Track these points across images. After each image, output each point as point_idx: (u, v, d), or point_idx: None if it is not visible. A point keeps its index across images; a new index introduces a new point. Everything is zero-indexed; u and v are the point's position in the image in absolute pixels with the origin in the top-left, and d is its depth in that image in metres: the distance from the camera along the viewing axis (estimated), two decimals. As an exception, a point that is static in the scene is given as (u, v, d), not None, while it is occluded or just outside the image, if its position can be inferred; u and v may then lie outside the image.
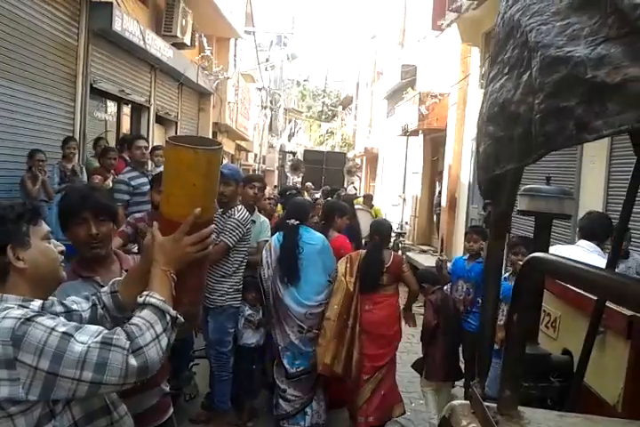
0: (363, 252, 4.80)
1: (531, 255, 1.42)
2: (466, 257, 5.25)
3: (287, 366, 4.49)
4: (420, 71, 14.94)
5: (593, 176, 6.21)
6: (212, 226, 1.78)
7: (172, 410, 2.48)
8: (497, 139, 1.39)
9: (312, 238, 4.54)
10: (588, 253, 3.68)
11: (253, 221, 4.73)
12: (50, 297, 1.71)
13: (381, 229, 4.94)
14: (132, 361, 1.44)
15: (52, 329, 1.45)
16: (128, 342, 1.46)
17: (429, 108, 12.35)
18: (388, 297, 4.63)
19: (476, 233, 5.13)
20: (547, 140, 1.11)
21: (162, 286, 1.61)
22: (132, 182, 5.46)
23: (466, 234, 5.52)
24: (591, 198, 6.04)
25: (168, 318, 1.56)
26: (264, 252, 4.59)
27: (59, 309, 1.68)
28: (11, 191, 6.12)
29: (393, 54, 18.55)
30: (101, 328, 1.51)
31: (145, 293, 1.58)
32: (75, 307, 1.74)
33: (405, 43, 17.23)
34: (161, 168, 6.64)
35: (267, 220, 5.16)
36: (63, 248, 1.73)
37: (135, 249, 4.04)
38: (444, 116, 12.16)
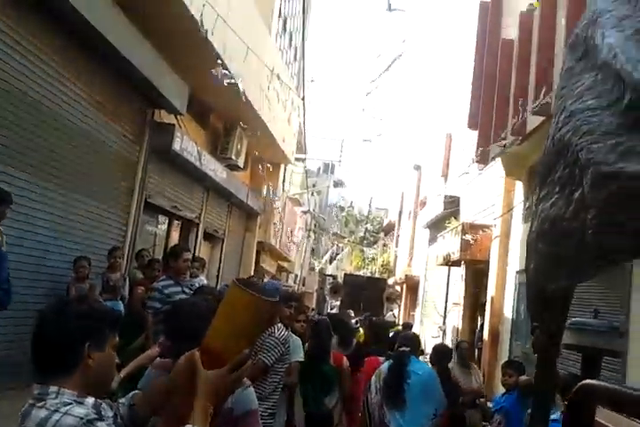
0: None
1: (581, 383, 1.34)
2: (501, 395, 5.33)
3: None
4: (464, 202, 15.17)
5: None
6: (249, 364, 1.85)
7: None
8: (548, 256, 1.37)
9: (420, 368, 4.63)
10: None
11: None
12: None
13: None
14: None
15: None
16: None
17: (473, 240, 12.38)
18: None
19: (511, 368, 5.26)
20: (600, 255, 1.09)
21: (204, 422, 1.62)
22: (165, 291, 5.48)
23: (502, 368, 5.54)
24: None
25: None
26: (373, 377, 4.67)
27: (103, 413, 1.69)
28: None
29: (436, 185, 19.01)
30: None
31: (188, 426, 1.58)
32: (106, 414, 1.73)
33: (449, 173, 17.70)
34: (197, 279, 6.74)
35: (299, 340, 5.07)
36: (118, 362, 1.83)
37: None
38: (486, 248, 12.12)
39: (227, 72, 7.89)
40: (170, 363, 2.32)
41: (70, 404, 1.53)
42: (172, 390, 1.74)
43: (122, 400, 1.83)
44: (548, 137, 1.62)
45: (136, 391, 1.89)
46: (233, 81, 8.08)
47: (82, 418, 1.48)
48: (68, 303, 1.81)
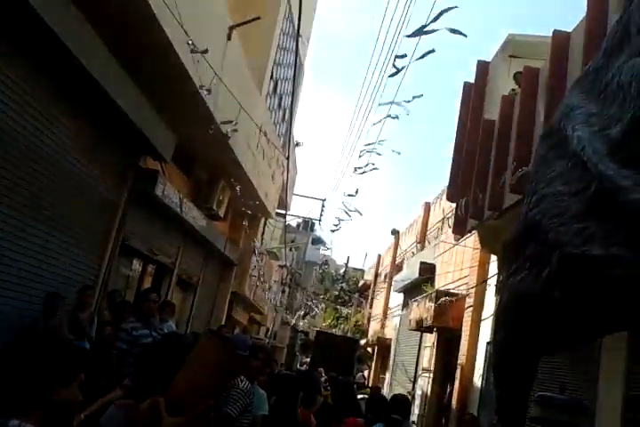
0: None
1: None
2: None
3: None
4: (439, 269, 15.28)
5: (610, 394, 5.98)
6: (212, 414, 1.88)
7: None
8: (515, 330, 1.42)
9: None
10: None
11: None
12: None
13: None
14: None
15: None
16: None
17: (446, 307, 12.42)
18: None
19: None
20: (568, 334, 1.15)
21: None
22: (134, 333, 5.43)
23: None
24: (608, 415, 5.77)
25: None
26: None
27: None
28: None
29: (412, 251, 19.17)
30: None
31: None
32: None
33: (427, 240, 17.88)
34: (166, 324, 6.64)
35: (265, 394, 5.00)
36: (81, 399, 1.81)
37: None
38: (459, 317, 12.16)
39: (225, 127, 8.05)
40: (132, 403, 2.31)
41: None
42: None
43: None
44: (520, 214, 1.71)
45: None
46: (230, 130, 8.23)
47: None
48: (39, 339, 1.83)
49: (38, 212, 6.30)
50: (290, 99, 13.16)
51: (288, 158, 13.64)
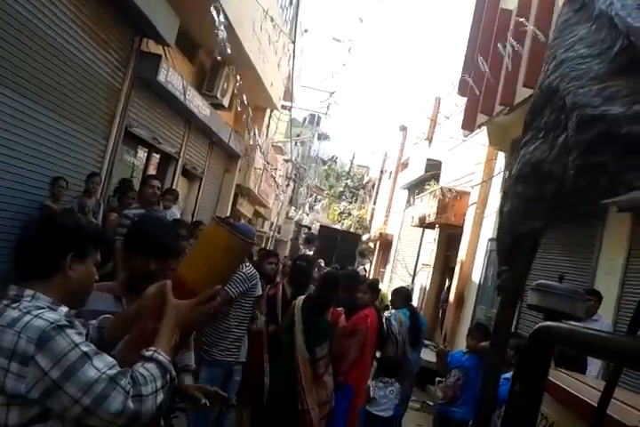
0: None
1: (540, 324, 1.37)
2: (465, 350, 5.29)
3: None
4: (445, 167, 15.21)
5: (607, 285, 6.13)
6: (219, 301, 1.94)
7: None
8: (526, 197, 1.38)
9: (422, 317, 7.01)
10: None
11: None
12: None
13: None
14: (130, 405, 1.50)
15: (77, 345, 1.51)
16: (131, 387, 1.52)
17: (449, 204, 12.49)
18: None
19: (481, 332, 5.24)
20: (579, 194, 1.11)
21: (168, 345, 1.70)
22: (137, 219, 5.46)
23: (470, 330, 5.56)
24: (602, 306, 5.95)
25: (168, 377, 1.65)
26: (396, 324, 6.11)
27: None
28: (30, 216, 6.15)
29: (420, 148, 18.97)
30: (115, 362, 1.57)
31: (153, 348, 1.66)
32: (81, 330, 1.79)
33: (434, 138, 17.65)
34: (168, 211, 6.71)
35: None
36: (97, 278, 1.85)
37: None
38: (462, 214, 12.26)
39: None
40: (112, 286, 2.35)
41: (43, 308, 1.57)
42: (140, 315, 1.81)
43: (91, 322, 1.90)
44: (538, 83, 1.61)
45: (106, 315, 1.95)
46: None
47: (52, 323, 1.51)
48: (56, 214, 1.84)
49: (38, 94, 6.16)
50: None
51: (294, 43, 13.09)
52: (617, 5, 1.21)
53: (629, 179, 0.97)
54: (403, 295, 6.80)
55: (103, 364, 1.52)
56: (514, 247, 1.56)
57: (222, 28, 7.35)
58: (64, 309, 1.64)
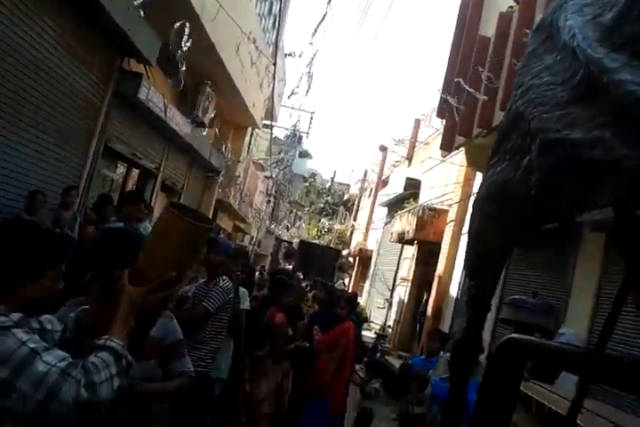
0: None
1: (506, 337, 1.41)
2: (423, 357, 5.80)
3: None
4: (425, 185, 15.36)
5: (581, 302, 6.23)
6: (178, 288, 1.96)
7: None
8: (492, 216, 1.44)
9: None
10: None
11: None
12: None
13: None
14: (83, 393, 1.50)
15: (23, 343, 1.52)
16: (83, 376, 1.52)
17: (428, 222, 12.65)
18: None
19: (439, 335, 5.92)
20: (541, 213, 1.17)
21: (121, 332, 1.71)
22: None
23: (429, 334, 5.98)
24: (576, 322, 6.05)
25: (124, 362, 1.65)
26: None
27: (35, 325, 1.77)
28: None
29: (399, 166, 19.18)
30: (67, 355, 1.58)
31: (105, 336, 1.67)
32: (49, 327, 1.83)
33: (414, 157, 17.82)
34: (142, 224, 6.68)
35: (246, 291, 5.28)
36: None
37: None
38: (440, 231, 12.40)
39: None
40: (84, 300, 2.36)
41: None
42: (109, 306, 1.80)
43: (71, 315, 1.95)
44: (506, 108, 1.68)
45: (85, 307, 2.01)
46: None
47: None
48: (15, 226, 1.84)
49: (17, 109, 6.15)
50: (280, 3, 12.61)
51: (275, 64, 13.24)
52: (579, 37, 1.29)
53: (588, 200, 1.03)
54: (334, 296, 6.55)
55: (52, 357, 1.53)
56: (481, 263, 1.62)
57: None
58: (16, 315, 1.64)
